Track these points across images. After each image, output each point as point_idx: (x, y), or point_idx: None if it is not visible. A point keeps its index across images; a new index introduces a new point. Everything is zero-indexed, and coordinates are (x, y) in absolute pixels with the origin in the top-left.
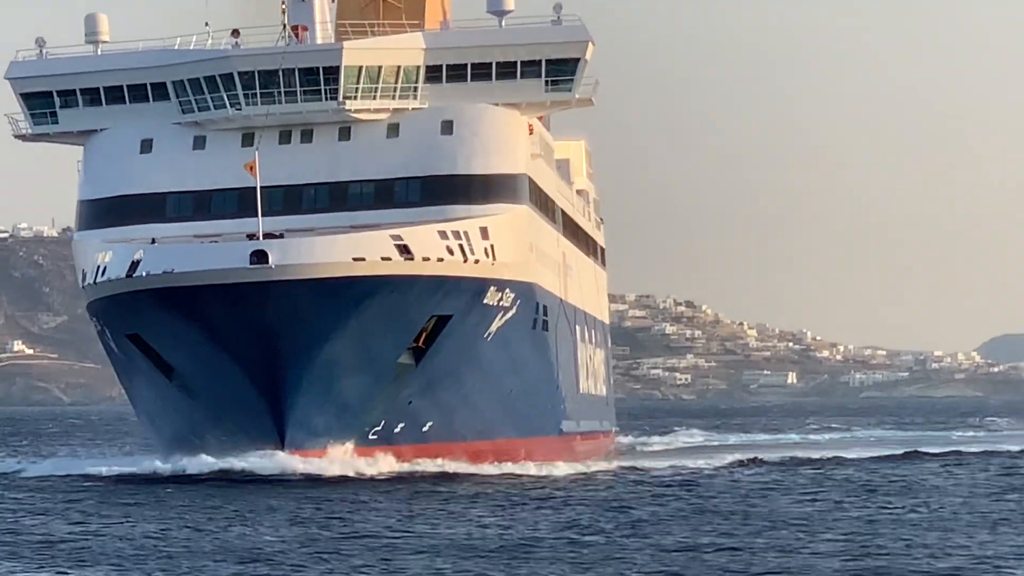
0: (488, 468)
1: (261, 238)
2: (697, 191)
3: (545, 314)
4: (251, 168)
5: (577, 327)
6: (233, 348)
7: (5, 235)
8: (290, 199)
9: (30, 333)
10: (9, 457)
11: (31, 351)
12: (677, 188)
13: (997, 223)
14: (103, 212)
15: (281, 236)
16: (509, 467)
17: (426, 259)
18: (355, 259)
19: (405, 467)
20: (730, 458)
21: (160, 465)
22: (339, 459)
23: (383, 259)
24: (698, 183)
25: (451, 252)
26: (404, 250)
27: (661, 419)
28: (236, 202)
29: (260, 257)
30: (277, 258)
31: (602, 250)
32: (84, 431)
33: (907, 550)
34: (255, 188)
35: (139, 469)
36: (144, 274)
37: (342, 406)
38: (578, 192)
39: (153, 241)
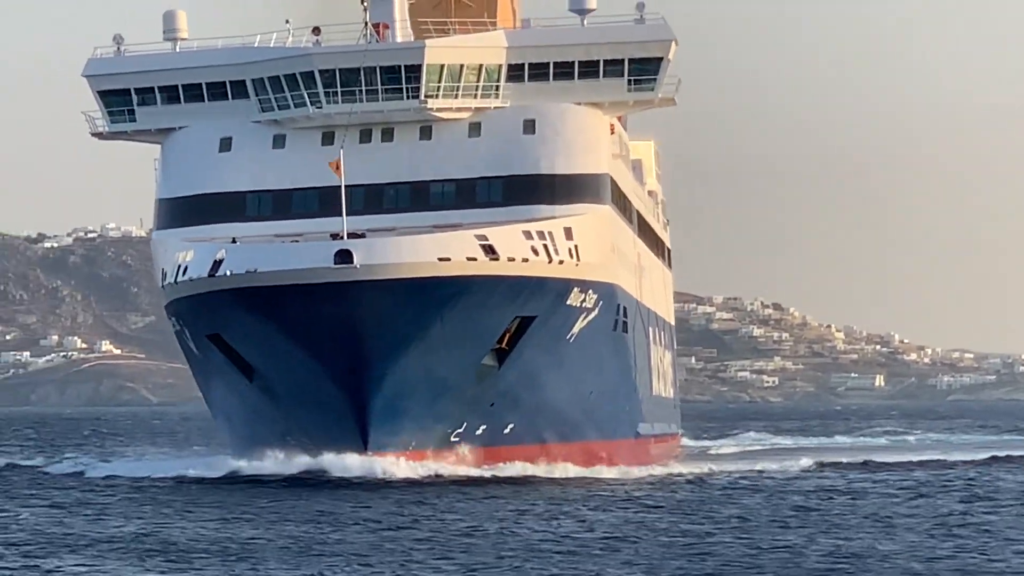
0: (572, 470)
1: (346, 237)
2: (783, 192)
3: (625, 315)
4: (336, 167)
5: (650, 328)
6: (316, 349)
7: (94, 235)
8: (371, 198)
9: (118, 333)
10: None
11: (119, 351)
12: (763, 188)
13: None
14: (182, 211)
15: (363, 236)
16: (594, 470)
17: (511, 259)
18: (440, 259)
19: (488, 470)
20: (800, 462)
21: (241, 464)
22: (429, 461)
23: (468, 259)
24: (784, 184)
25: (536, 252)
26: (489, 250)
27: (731, 421)
28: (317, 201)
29: (344, 257)
30: (361, 258)
31: (669, 251)
32: (166, 431)
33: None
34: (336, 187)
35: (218, 471)
36: (227, 273)
37: (425, 408)
38: (649, 193)
39: (234, 240)
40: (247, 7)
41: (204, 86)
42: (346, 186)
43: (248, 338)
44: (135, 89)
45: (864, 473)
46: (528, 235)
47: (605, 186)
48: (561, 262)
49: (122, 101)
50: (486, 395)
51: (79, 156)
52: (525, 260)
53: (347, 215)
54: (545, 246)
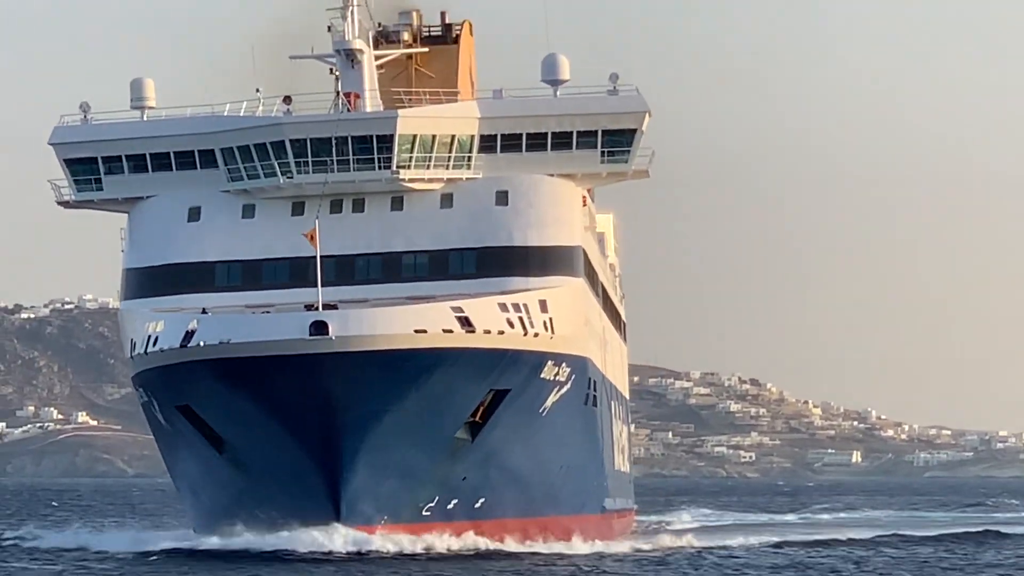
0: (540, 547)
1: (321, 308)
2: (761, 266)
3: (595, 389)
4: (311, 237)
5: (611, 402)
6: (289, 420)
7: (71, 306)
8: (343, 269)
9: (95, 404)
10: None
11: (95, 422)
12: (741, 262)
13: None
14: (150, 281)
15: (335, 307)
16: (559, 546)
17: (487, 331)
18: (416, 331)
19: (462, 544)
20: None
21: (212, 539)
22: (403, 535)
23: (444, 331)
24: (762, 258)
25: (511, 325)
26: (465, 322)
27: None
28: (288, 272)
29: (320, 328)
30: (337, 329)
31: (624, 325)
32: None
33: None
34: (307, 258)
35: (199, 545)
36: (200, 344)
37: (398, 481)
38: (609, 266)
39: (204, 311)
40: (216, 76)
41: (172, 155)
42: (312, 257)
43: (219, 409)
44: (102, 158)
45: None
46: (504, 307)
47: (579, 258)
48: (536, 335)
49: (89, 170)
50: (458, 469)
51: (55, 226)
52: (501, 332)
53: (314, 287)
54: (520, 318)
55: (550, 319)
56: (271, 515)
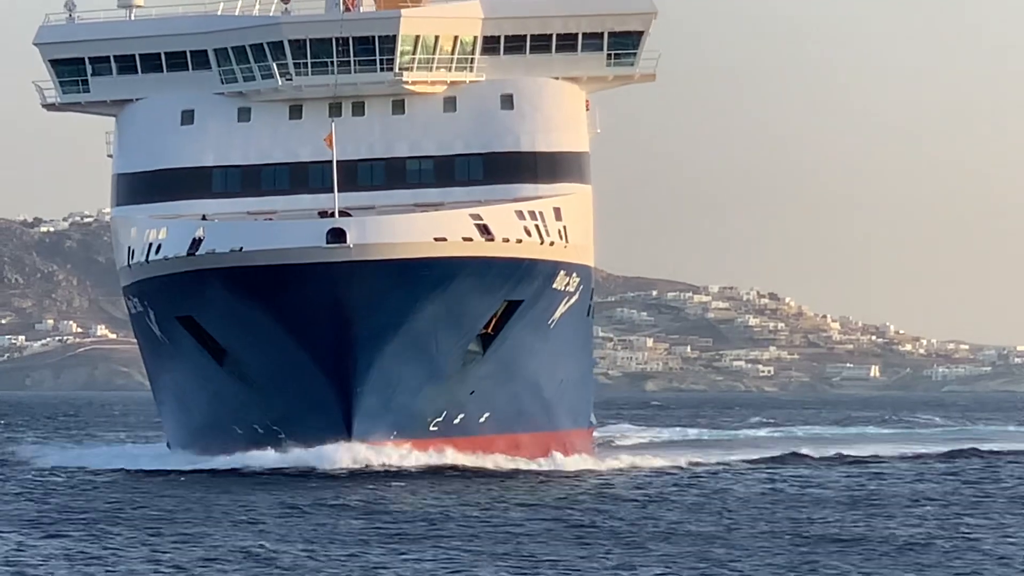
0: (545, 463)
1: (337, 215)
2: (780, 182)
3: (592, 299)
4: (329, 141)
5: None
6: (302, 331)
7: (90, 219)
8: (345, 175)
9: (113, 318)
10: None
11: (114, 336)
12: (760, 179)
13: None
14: (143, 186)
15: (349, 215)
16: (568, 460)
17: (506, 240)
18: (436, 239)
19: (469, 460)
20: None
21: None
22: (411, 450)
23: (464, 239)
24: (781, 174)
25: (528, 233)
26: (484, 230)
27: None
28: (288, 178)
29: (337, 236)
30: (355, 237)
31: None
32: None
33: None
34: (307, 163)
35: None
36: (212, 252)
37: (410, 396)
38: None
39: (204, 217)
40: None
41: (163, 56)
42: (316, 162)
43: (225, 320)
44: (89, 58)
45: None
46: (520, 215)
47: (587, 164)
48: (552, 243)
49: (75, 71)
50: (467, 383)
51: (75, 139)
52: (519, 241)
53: (319, 192)
54: (537, 226)
55: (564, 227)
56: (273, 429)
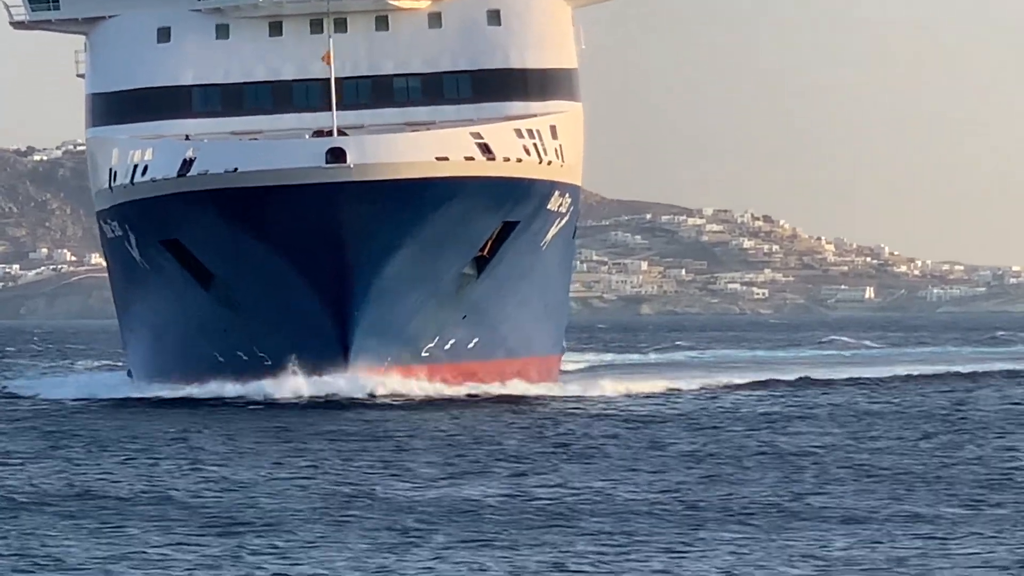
0: (533, 389)
1: (336, 135)
2: (774, 103)
3: (577, 220)
4: (327, 58)
5: None
6: (298, 254)
7: (83, 148)
8: (329, 94)
9: None
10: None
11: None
12: (753, 99)
13: None
14: (120, 106)
15: (345, 134)
16: (555, 387)
17: (507, 159)
18: (438, 159)
19: (463, 387)
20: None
21: (233, 387)
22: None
23: (466, 159)
24: (775, 95)
25: (527, 152)
26: (485, 149)
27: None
28: (270, 96)
29: (337, 155)
30: (355, 156)
31: None
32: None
33: None
34: (291, 81)
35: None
36: (205, 173)
37: (406, 320)
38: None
39: (187, 138)
40: None
41: None
42: (299, 81)
43: (214, 244)
44: None
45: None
46: (519, 133)
47: (577, 82)
48: (550, 163)
49: None
50: (461, 307)
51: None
52: (519, 160)
53: (305, 111)
54: (535, 145)
55: (560, 146)
56: (259, 356)
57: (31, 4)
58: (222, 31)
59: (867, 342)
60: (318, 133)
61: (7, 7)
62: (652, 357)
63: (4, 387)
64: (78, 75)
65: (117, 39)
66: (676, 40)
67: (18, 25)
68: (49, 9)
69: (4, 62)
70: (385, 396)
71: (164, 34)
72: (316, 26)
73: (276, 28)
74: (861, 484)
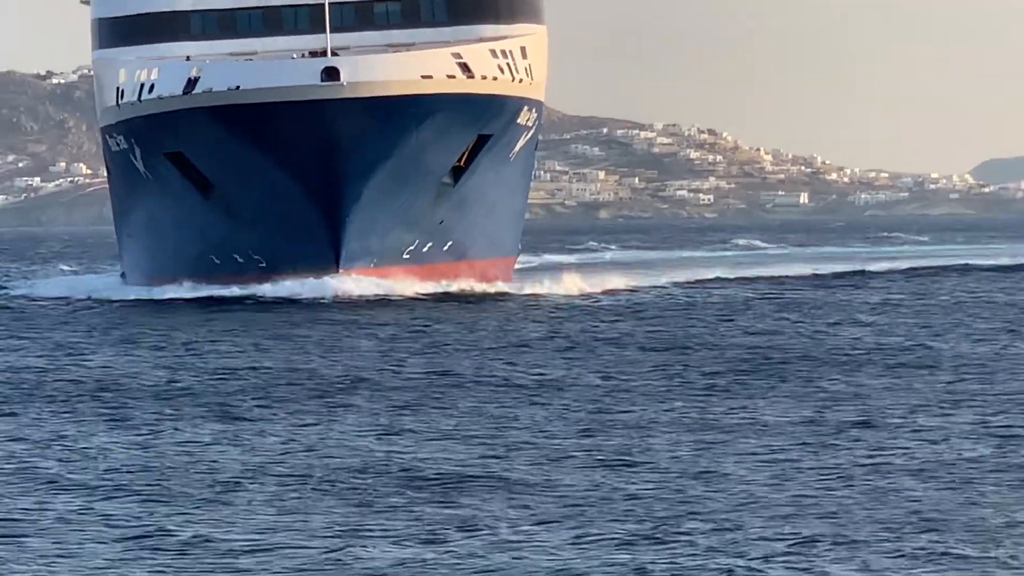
0: (503, 287)
1: (330, 54)
2: (716, 22)
3: (539, 135)
4: None
5: None
6: (294, 166)
7: None
8: (315, 18)
9: None
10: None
11: None
12: (697, 17)
13: (989, 56)
14: (124, 30)
15: (336, 55)
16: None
17: (484, 77)
18: (423, 76)
19: (439, 286)
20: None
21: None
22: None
23: (448, 76)
24: (719, 17)
25: (501, 71)
26: (465, 68)
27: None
28: (262, 21)
29: (331, 74)
30: (348, 75)
31: None
32: None
33: None
34: (279, 7)
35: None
36: (209, 90)
37: (391, 225)
38: None
39: (188, 59)
40: None
41: None
42: (287, 6)
43: (216, 156)
44: None
45: None
46: (494, 54)
47: (541, 5)
48: (520, 80)
49: None
50: (438, 213)
51: None
52: (495, 79)
53: (292, 34)
54: (508, 64)
55: (529, 65)
56: (254, 259)
57: None
58: None
59: (757, 241)
60: (313, 54)
61: None
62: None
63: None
64: (82, 2)
65: None
66: None
67: None
68: None
69: None
70: (373, 295)
71: None
72: None
73: None
74: None
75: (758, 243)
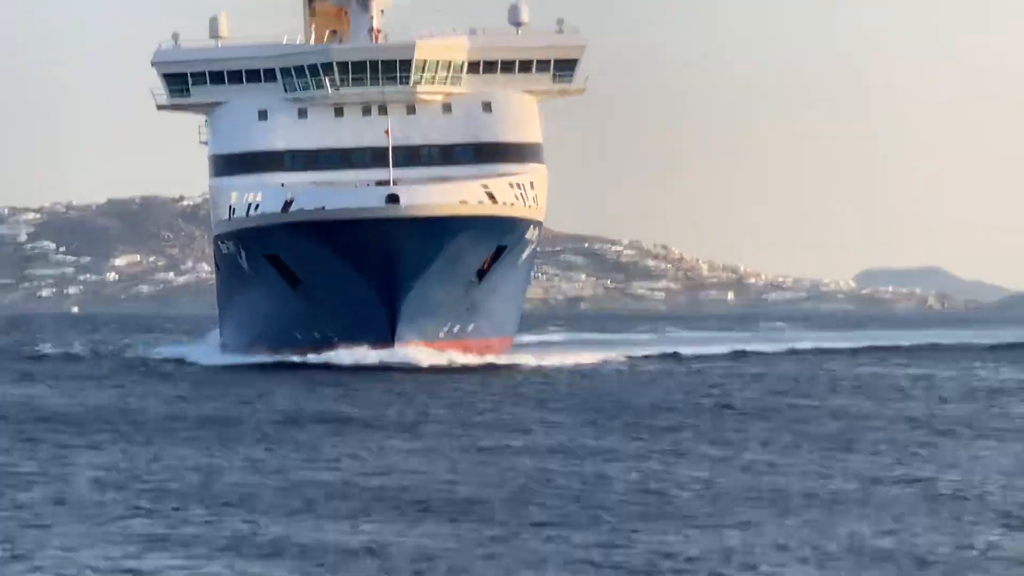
0: (504, 359)
1: (392, 184)
2: (677, 163)
3: (538, 246)
4: (387, 132)
5: None
6: (364, 265)
7: None
8: (377, 157)
9: None
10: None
11: None
12: (663, 161)
13: (873, 176)
14: (234, 163)
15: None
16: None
17: (505, 203)
18: (461, 202)
19: (472, 358)
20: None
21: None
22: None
23: (480, 203)
24: (681, 158)
25: (517, 199)
26: (491, 196)
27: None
28: (337, 159)
29: (393, 199)
30: (406, 200)
31: None
32: None
33: None
34: (351, 149)
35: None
36: (301, 209)
37: (433, 311)
38: None
39: (283, 185)
40: (263, 18)
41: (243, 71)
42: (356, 148)
43: (305, 257)
44: (190, 73)
45: None
46: (512, 186)
47: (542, 150)
48: (530, 206)
49: (180, 81)
50: (465, 302)
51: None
52: (512, 204)
53: (360, 168)
54: (522, 194)
55: (535, 195)
56: (328, 336)
57: (170, 93)
58: (302, 113)
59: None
60: (378, 183)
61: (153, 94)
62: (558, 336)
63: (143, 352)
64: (201, 142)
65: (230, 118)
66: (607, 122)
67: (161, 107)
68: (183, 96)
69: (153, 134)
70: (420, 364)
71: (263, 115)
72: (366, 111)
73: (339, 112)
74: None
75: (671, 328)
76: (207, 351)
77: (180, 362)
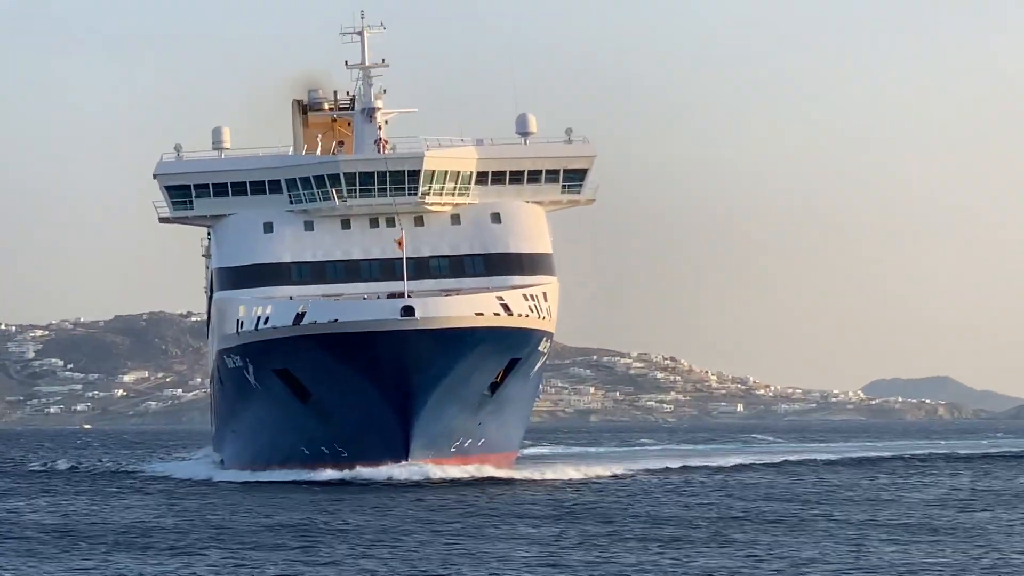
0: (519, 472)
1: (407, 296)
2: (683, 276)
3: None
4: (400, 243)
5: None
6: (379, 379)
7: None
8: (386, 269)
9: None
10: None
11: None
12: (669, 273)
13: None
14: (238, 276)
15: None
16: (535, 473)
17: (519, 315)
18: (476, 314)
19: (479, 472)
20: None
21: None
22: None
23: (495, 314)
24: (684, 271)
25: (531, 311)
26: (506, 308)
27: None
28: (344, 271)
29: (408, 311)
30: (421, 312)
31: None
32: None
33: None
34: (358, 260)
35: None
36: (314, 322)
37: (446, 425)
38: None
39: (291, 298)
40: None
41: (247, 183)
42: (364, 260)
43: (316, 372)
44: (193, 185)
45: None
46: (526, 297)
47: (553, 261)
48: (543, 318)
49: (183, 194)
50: (477, 417)
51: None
52: (527, 315)
53: (368, 281)
54: (535, 306)
55: (548, 307)
56: (337, 451)
57: (173, 205)
58: (309, 225)
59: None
60: (391, 295)
61: (156, 207)
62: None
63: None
64: (203, 255)
65: (235, 230)
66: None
67: (164, 220)
68: (186, 209)
69: (157, 248)
70: (431, 480)
71: (268, 227)
72: (374, 223)
73: (346, 223)
74: None
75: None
76: (200, 468)
77: (165, 479)
